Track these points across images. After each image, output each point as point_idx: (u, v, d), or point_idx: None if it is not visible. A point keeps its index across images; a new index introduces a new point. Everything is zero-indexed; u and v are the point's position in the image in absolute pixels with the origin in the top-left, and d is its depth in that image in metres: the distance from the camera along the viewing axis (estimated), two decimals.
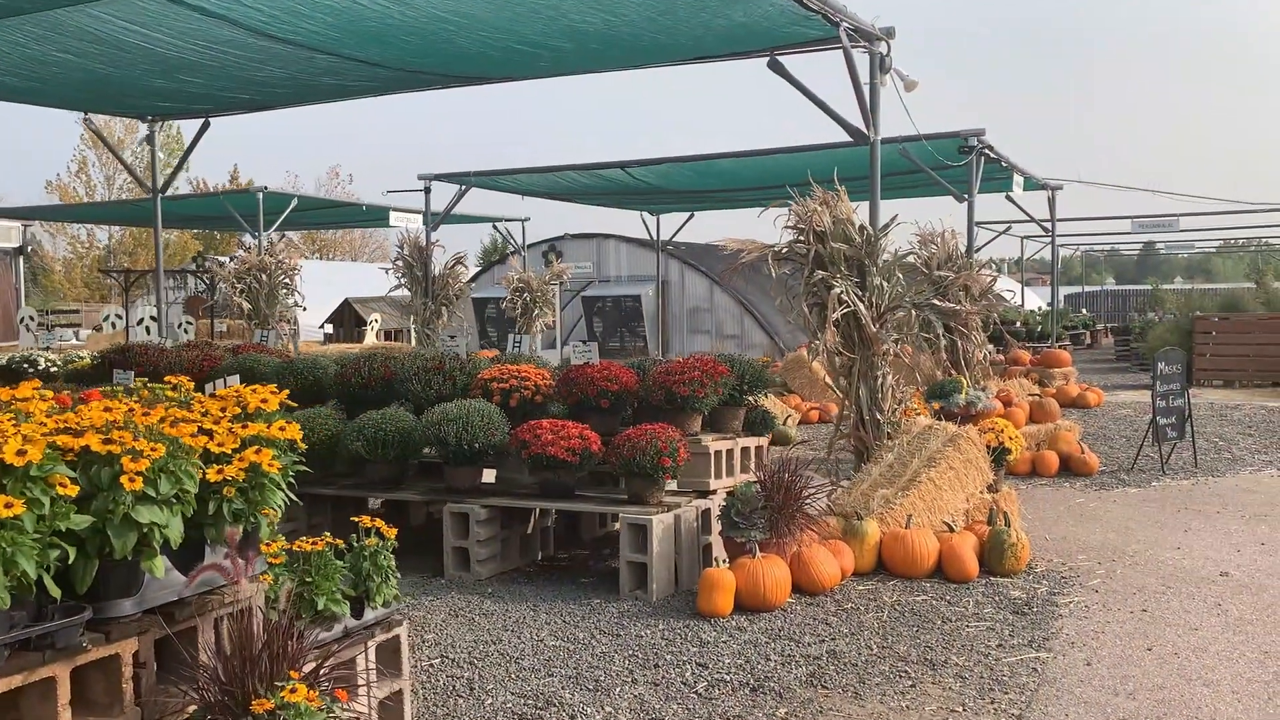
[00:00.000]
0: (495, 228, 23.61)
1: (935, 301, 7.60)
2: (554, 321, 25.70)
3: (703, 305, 25.51)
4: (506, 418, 7.25)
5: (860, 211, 7.83)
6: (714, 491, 6.94)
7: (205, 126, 10.84)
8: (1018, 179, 14.96)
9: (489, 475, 7.43)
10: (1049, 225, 19.46)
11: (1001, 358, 19.04)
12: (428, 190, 15.17)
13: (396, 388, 7.78)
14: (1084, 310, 45.62)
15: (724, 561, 6.34)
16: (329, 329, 25.84)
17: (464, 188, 15.34)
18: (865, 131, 7.98)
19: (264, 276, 16.26)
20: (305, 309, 19.90)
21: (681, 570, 6.48)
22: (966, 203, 12.07)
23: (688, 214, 21.57)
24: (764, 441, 7.77)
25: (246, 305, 16.27)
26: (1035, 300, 38.45)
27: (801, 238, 7.72)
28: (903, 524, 7.02)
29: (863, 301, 7.68)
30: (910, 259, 12.12)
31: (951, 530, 7.08)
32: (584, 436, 6.76)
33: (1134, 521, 8.85)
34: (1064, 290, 57.72)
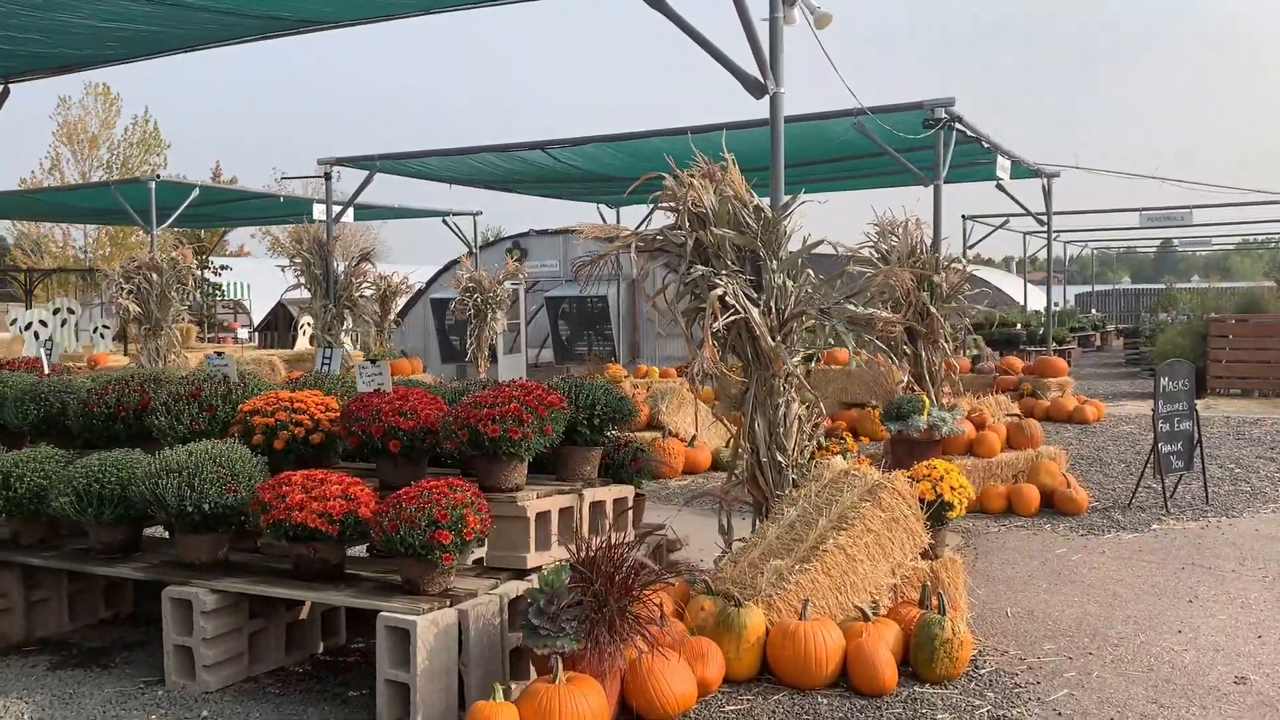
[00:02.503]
0: (445, 222, 21.75)
1: (850, 306, 5.68)
2: (507, 326, 23.85)
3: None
4: (269, 465, 5.39)
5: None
6: (536, 569, 5.03)
7: (5, 94, 9.01)
8: (1003, 163, 13.03)
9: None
10: (1045, 218, 17.47)
11: (992, 366, 17.08)
12: (328, 176, 13.33)
13: (148, 420, 5.92)
14: (1094, 310, 43.55)
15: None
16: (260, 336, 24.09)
17: (370, 174, 13.50)
18: (762, 80, 6.07)
19: (155, 277, 14.44)
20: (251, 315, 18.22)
21: (471, 689, 4.59)
22: (933, 186, 10.17)
23: (650, 206, 19.64)
24: (629, 493, 5.87)
25: (135, 308, 14.46)
26: (1042, 301, 36.39)
27: (677, 223, 5.83)
28: (797, 610, 5.12)
29: (757, 305, 5.78)
30: (867, 252, 10.23)
31: (866, 618, 5.18)
32: (349, 495, 4.87)
33: (1125, 584, 6.92)
34: (1075, 289, 55.60)
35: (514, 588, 4.90)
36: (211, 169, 53.97)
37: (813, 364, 6.68)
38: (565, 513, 5.34)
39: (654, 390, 11.88)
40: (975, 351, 24.49)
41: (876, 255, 10.23)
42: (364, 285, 13.36)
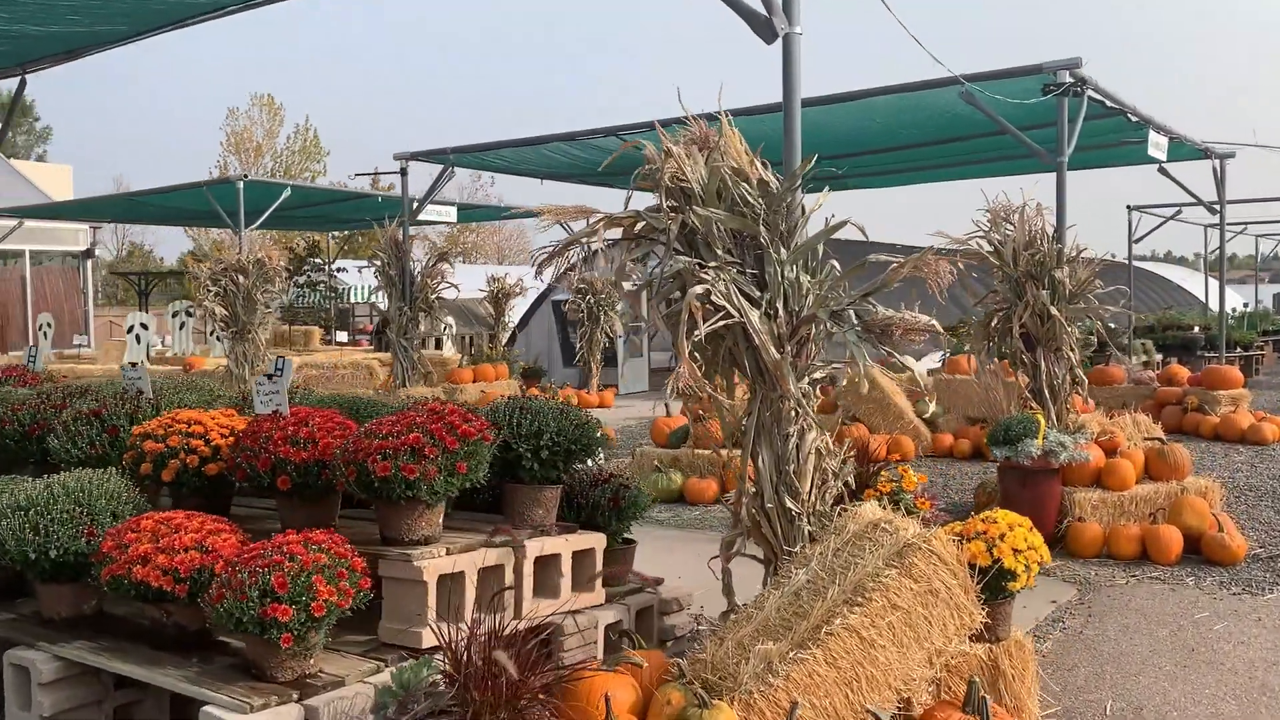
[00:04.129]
0: (561, 224, 20.87)
1: (872, 306, 4.32)
2: (631, 328, 22.85)
3: None
4: (173, 502, 4.46)
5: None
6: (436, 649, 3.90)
7: (21, 84, 8.50)
8: (1158, 139, 11.13)
9: None
10: (1217, 206, 15.19)
11: (1153, 376, 14.97)
12: (404, 172, 12.58)
13: (49, 442, 5.08)
14: None
15: None
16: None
17: (446, 169, 12.68)
18: (769, 18, 4.76)
19: (241, 279, 14.04)
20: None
21: None
22: (1056, 165, 8.52)
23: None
24: (596, 543, 4.66)
25: (222, 311, 14.10)
26: (1235, 301, 32.91)
27: (666, 201, 4.59)
28: (785, 711, 3.82)
29: (758, 307, 4.48)
30: (976, 244, 8.69)
31: None
32: (206, 546, 3.86)
33: None
34: (1277, 289, 50.51)
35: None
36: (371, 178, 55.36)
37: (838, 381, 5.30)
38: (491, 573, 4.19)
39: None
40: (1145, 358, 22.12)
41: (989, 248, 8.71)
42: (441, 286, 12.53)
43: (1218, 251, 15.92)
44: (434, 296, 12.57)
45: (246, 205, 14.85)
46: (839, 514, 4.61)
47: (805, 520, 4.59)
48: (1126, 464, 7.91)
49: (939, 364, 14.70)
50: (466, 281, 28.19)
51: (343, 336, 17.92)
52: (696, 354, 4.54)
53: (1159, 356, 22.25)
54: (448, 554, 4.01)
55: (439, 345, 22.92)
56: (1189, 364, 18.71)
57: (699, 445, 10.44)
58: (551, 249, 4.69)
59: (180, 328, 18.43)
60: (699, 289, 4.31)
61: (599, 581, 4.65)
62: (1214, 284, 28.28)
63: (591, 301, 19.79)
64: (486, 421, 4.20)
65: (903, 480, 5.44)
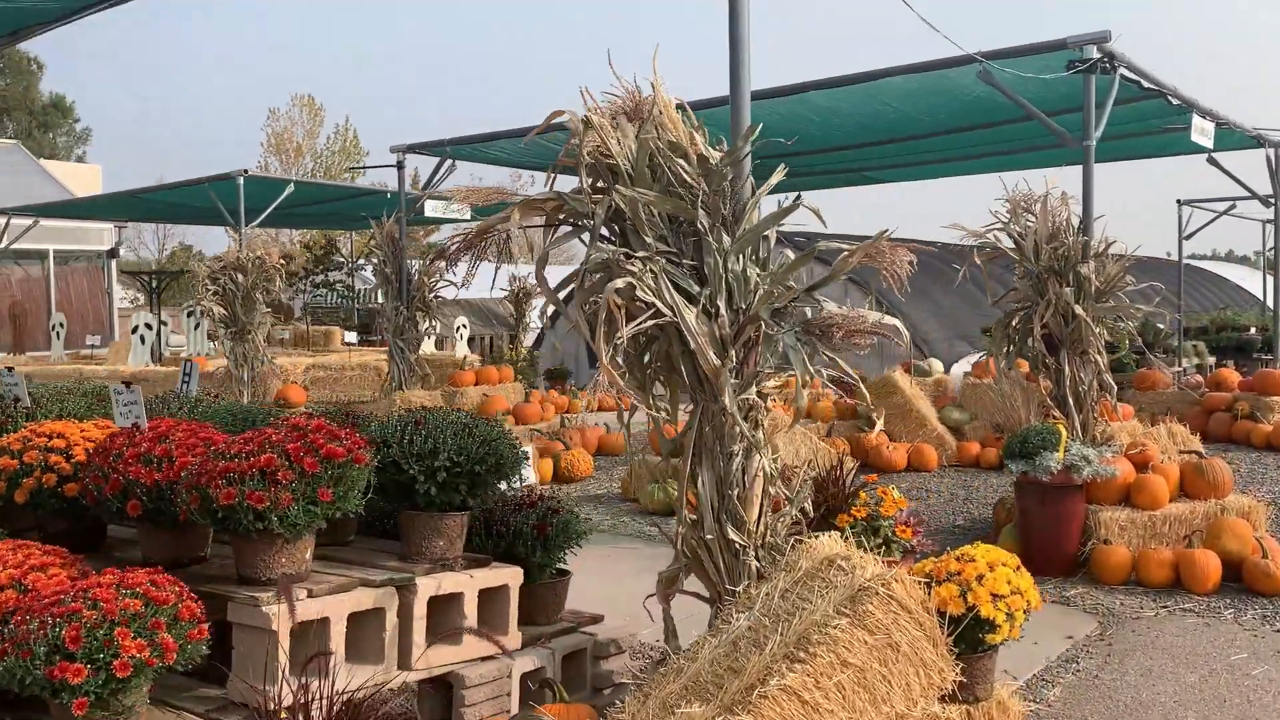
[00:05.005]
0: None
1: (821, 302, 3.65)
2: None
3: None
4: (37, 528, 3.90)
5: None
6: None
7: None
8: (1202, 124, 10.23)
9: None
10: (1273, 200, 14.16)
11: (1200, 381, 14.02)
12: (400, 166, 11.99)
13: None
14: None
15: None
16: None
17: (444, 161, 12.09)
18: None
19: (240, 277, 13.58)
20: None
21: None
22: (1083, 150, 7.73)
23: (794, 194, 17.46)
24: (511, 579, 4.01)
25: (221, 310, 13.65)
26: None
27: (588, 180, 3.94)
28: None
29: (695, 304, 3.81)
30: (995, 235, 7.93)
31: None
32: (24, 585, 3.27)
33: None
34: None
35: None
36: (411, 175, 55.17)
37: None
38: (370, 618, 3.56)
39: None
40: (1197, 361, 21.01)
41: (1008, 242, 7.94)
42: (440, 285, 11.96)
43: (1275, 248, 14.87)
44: (432, 295, 12.00)
45: (251, 202, 14.41)
46: (792, 546, 3.93)
47: (752, 554, 3.91)
48: (1159, 480, 7.11)
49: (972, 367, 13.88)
50: (487, 280, 27.73)
51: (351, 337, 17.49)
52: (634, 359, 3.89)
53: (1212, 359, 21.14)
54: (310, 596, 3.38)
55: (439, 345, 22.40)
56: (1245, 367, 17.65)
57: None
58: (462, 239, 4.05)
59: (195, 328, 18.08)
60: (619, 283, 3.65)
61: (514, 622, 4.00)
62: (1271, 282, 26.97)
63: None
64: (363, 439, 3.57)
65: (882, 504, 4.72)
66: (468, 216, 15.98)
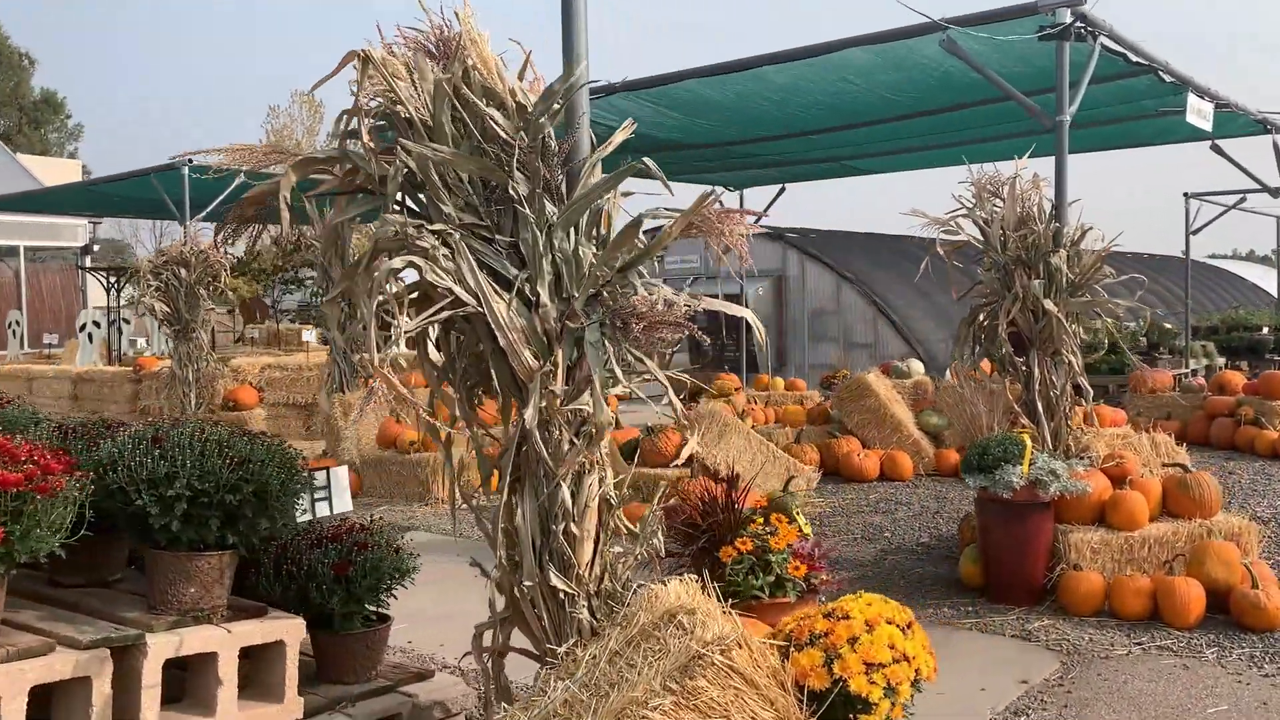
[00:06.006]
0: None
1: (631, 282, 2.88)
2: None
3: (828, 307, 20.47)
4: None
5: None
6: None
7: None
8: (1199, 105, 9.38)
9: None
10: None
11: (1203, 383, 13.13)
12: None
13: None
14: None
15: None
16: None
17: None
18: None
19: (183, 272, 12.85)
20: None
21: None
22: (1056, 126, 6.90)
23: (778, 187, 16.68)
24: (288, 633, 3.23)
25: (163, 307, 12.91)
26: None
27: (369, 133, 3.17)
28: None
29: (508, 291, 3.03)
30: (957, 222, 7.12)
31: None
32: None
33: None
34: None
35: None
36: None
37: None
38: (78, 689, 2.78)
39: (700, 413, 9.09)
40: (1206, 362, 20.08)
41: (974, 230, 7.13)
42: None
43: None
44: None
45: (200, 195, 13.69)
46: (634, 593, 3.14)
47: (584, 604, 3.12)
48: (1137, 498, 6.28)
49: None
50: None
51: (310, 335, 16.78)
52: (454, 359, 3.11)
53: (1222, 360, 20.22)
54: None
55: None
56: (1257, 368, 16.73)
57: (647, 462, 8.99)
58: (231, 211, 3.28)
59: (158, 326, 17.36)
60: (396, 262, 2.89)
61: (292, 687, 3.22)
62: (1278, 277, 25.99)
63: None
64: (68, 461, 2.80)
65: (775, 533, 3.91)
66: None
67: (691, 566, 3.91)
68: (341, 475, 3.78)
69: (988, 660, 5.45)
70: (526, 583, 3.09)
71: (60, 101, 40.20)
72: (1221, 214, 19.07)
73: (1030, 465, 6.22)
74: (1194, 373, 16.49)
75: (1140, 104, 9.97)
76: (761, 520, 4.01)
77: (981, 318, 7.13)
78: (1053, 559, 6.27)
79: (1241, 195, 18.53)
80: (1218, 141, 12.69)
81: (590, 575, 3.13)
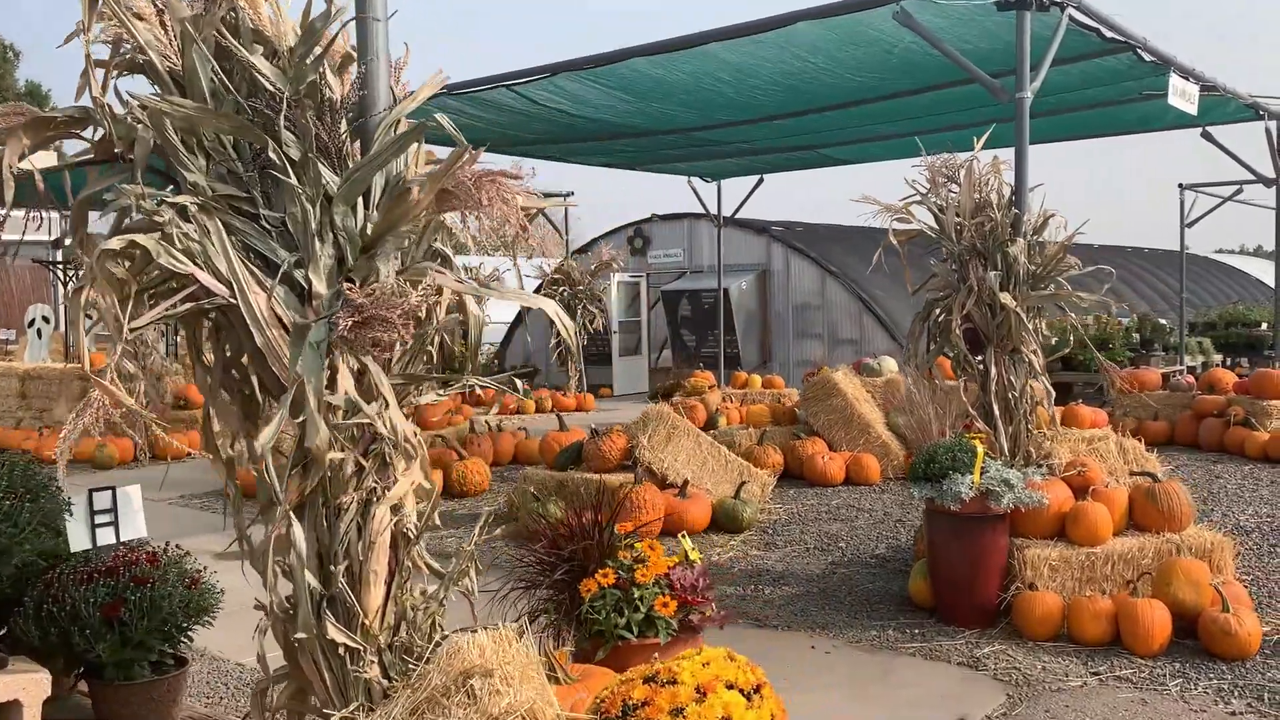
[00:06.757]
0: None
1: (378, 268, 2.33)
2: (621, 325, 20.83)
3: (813, 301, 19.89)
4: None
5: None
6: None
7: None
8: (1182, 86, 8.79)
9: None
10: (1272, 177, 12.63)
11: (1192, 382, 12.54)
12: None
13: None
14: None
15: None
16: None
17: None
18: None
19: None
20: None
21: None
22: (1016, 103, 6.33)
23: (756, 178, 16.11)
24: (22, 690, 2.68)
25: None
26: None
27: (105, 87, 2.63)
28: None
29: (265, 285, 2.47)
30: (909, 210, 6.56)
31: None
32: None
33: None
34: None
35: None
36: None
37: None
38: None
39: (648, 414, 8.53)
40: (1203, 359, 19.46)
41: (929, 218, 6.57)
42: None
43: (1276, 233, 13.35)
44: None
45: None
46: (435, 645, 2.60)
47: (375, 659, 2.57)
48: (1099, 509, 5.71)
49: None
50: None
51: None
52: (211, 361, 2.57)
53: (1218, 357, 19.62)
54: None
55: None
56: (1257, 365, 16.14)
57: (591, 467, 8.44)
58: None
59: (39, 335, 16.60)
60: (113, 243, 2.33)
61: None
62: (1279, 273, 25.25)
63: (566, 293, 17.83)
64: None
65: (643, 562, 3.35)
66: None
67: (553, 603, 3.35)
68: (133, 496, 3.24)
69: (925, 693, 4.90)
70: (300, 635, 2.54)
71: (45, 94, 39.71)
72: (1218, 205, 18.45)
73: (981, 474, 5.66)
74: (1185, 371, 15.91)
75: (1121, 86, 9.39)
76: (637, 547, 3.43)
77: (937, 312, 6.57)
78: (1008, 577, 5.71)
79: (1238, 186, 17.89)
80: (1208, 128, 12.11)
81: (381, 625, 2.58)
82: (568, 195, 18.75)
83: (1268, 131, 11.81)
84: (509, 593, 3.40)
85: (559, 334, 17.78)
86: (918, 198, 6.56)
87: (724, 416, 12.66)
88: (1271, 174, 13.01)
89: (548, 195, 20.10)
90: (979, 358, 6.36)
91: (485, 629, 2.56)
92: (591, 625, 3.20)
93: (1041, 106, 10.34)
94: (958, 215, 6.31)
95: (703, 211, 17.70)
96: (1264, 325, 21.37)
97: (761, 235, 20.45)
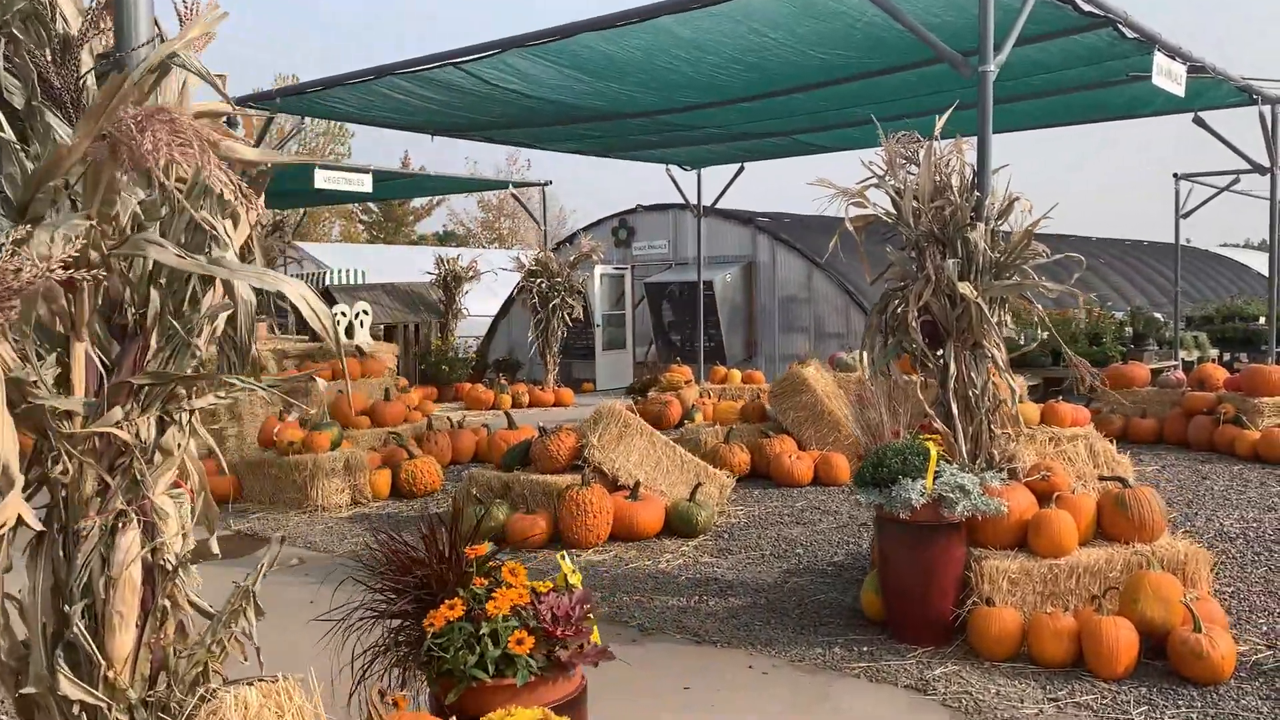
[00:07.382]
0: (514, 195, 18.51)
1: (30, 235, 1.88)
2: (606, 318, 20.36)
3: (799, 294, 19.41)
4: None
5: None
6: None
7: None
8: (1167, 65, 8.30)
9: None
10: (1270, 166, 12.12)
11: (1181, 378, 12.06)
12: (230, 122, 10.26)
13: None
14: None
15: None
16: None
17: (270, 119, 10.34)
18: None
19: None
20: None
21: None
22: (979, 77, 5.86)
23: (737, 166, 15.62)
24: None
25: None
26: None
27: None
28: None
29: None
30: (875, 188, 6.11)
31: None
32: None
33: None
34: None
35: None
36: (401, 158, 53.14)
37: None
38: None
39: (599, 412, 8.06)
40: (1199, 354, 18.98)
41: (889, 194, 6.10)
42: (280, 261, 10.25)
43: (1270, 224, 12.84)
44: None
45: None
46: (201, 701, 2.14)
47: (126, 718, 2.11)
48: (1063, 518, 5.25)
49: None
50: (417, 262, 25.63)
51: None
52: None
53: (1214, 352, 19.14)
54: None
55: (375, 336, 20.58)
56: (1255, 360, 15.65)
57: (539, 468, 7.99)
58: None
59: None
60: None
61: None
62: None
63: (544, 285, 17.35)
64: None
65: (500, 589, 2.88)
66: (367, 187, 14.19)
67: (403, 637, 2.90)
68: None
69: None
70: (30, 689, 2.08)
71: None
72: (1213, 195, 17.95)
73: (935, 479, 5.20)
74: (1178, 367, 15.42)
75: (1105, 66, 8.90)
76: (483, 576, 2.96)
77: (895, 304, 6.10)
78: (964, 590, 5.25)
79: (1235, 176, 17.39)
80: (1200, 113, 11.61)
81: (132, 677, 2.13)
82: (545, 184, 18.28)
83: (1261, 116, 11.31)
84: (354, 624, 2.94)
85: (533, 327, 17.36)
86: (875, 181, 6.09)
87: (700, 413, 12.22)
88: (1267, 162, 12.51)
89: (528, 185, 19.63)
90: (939, 353, 5.89)
91: (260, 681, 2.11)
92: (440, 664, 2.76)
93: (1024, 88, 9.89)
94: (915, 199, 5.84)
95: (685, 202, 17.22)
96: (1262, 319, 20.88)
97: (747, 226, 19.98)
